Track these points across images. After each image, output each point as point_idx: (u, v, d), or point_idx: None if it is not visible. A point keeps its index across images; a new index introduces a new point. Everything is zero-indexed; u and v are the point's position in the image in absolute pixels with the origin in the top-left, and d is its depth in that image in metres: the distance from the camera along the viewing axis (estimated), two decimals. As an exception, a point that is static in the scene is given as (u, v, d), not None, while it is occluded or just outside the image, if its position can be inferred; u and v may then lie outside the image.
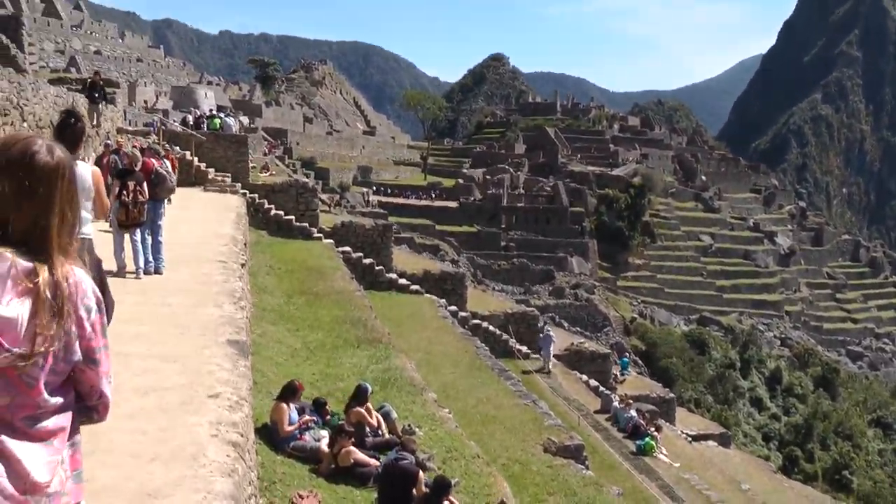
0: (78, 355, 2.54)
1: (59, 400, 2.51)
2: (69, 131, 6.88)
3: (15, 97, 22.59)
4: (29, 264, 2.42)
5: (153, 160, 14.96)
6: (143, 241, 13.47)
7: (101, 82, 28.52)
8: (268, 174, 38.71)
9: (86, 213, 6.97)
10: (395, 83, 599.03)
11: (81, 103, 27.47)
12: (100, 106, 26.94)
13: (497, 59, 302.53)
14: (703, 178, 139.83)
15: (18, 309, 2.37)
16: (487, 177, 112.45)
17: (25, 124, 20.07)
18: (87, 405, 2.67)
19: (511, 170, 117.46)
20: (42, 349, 2.40)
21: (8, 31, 44.08)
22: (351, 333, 18.49)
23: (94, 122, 26.16)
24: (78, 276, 2.54)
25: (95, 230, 8.87)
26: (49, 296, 2.42)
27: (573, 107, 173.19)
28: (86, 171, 6.89)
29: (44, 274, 2.42)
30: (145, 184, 13.42)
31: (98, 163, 21.00)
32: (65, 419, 2.53)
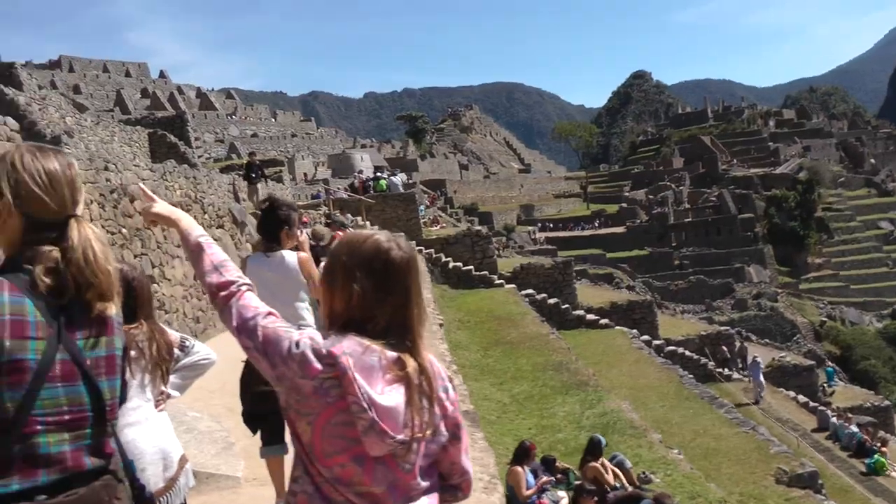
0: (445, 435, 2.62)
1: (427, 482, 2.58)
2: (272, 219, 6.70)
3: (193, 191, 23.29)
4: (395, 354, 2.49)
5: (339, 232, 14.91)
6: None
7: (258, 162, 29.21)
8: (438, 227, 38.83)
9: (303, 304, 6.71)
10: (542, 117, 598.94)
11: (241, 185, 28.19)
12: (258, 185, 27.54)
13: (640, 77, 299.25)
14: (872, 161, 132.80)
15: (395, 398, 2.45)
16: (650, 196, 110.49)
17: (206, 216, 20.54)
18: (450, 484, 2.73)
19: (672, 185, 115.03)
20: (421, 434, 2.49)
21: (174, 130, 45.97)
22: (556, 380, 17.98)
23: (254, 202, 26.71)
24: (432, 360, 2.62)
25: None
26: (419, 382, 2.50)
27: (724, 111, 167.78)
28: (292, 258, 6.64)
29: (411, 362, 2.51)
30: None
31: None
32: (432, 501, 2.60)
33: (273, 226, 6.65)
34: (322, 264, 2.92)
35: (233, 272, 2.79)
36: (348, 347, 2.46)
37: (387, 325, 2.54)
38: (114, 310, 2.61)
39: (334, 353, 2.44)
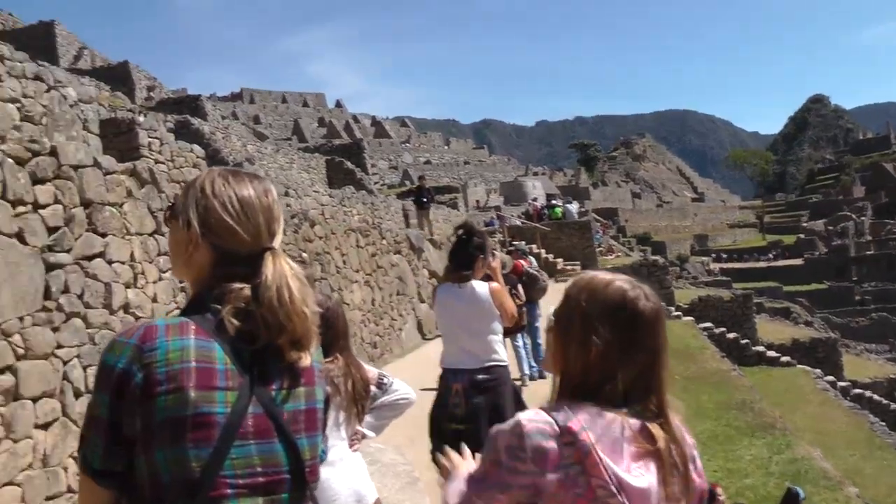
0: None
1: None
2: (467, 247, 6.38)
3: (370, 217, 23.42)
4: (639, 422, 2.19)
5: (522, 261, 14.60)
6: (524, 345, 13.06)
7: (428, 186, 29.12)
8: (613, 256, 38.09)
9: (496, 336, 6.34)
10: (715, 144, 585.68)
11: (409, 208, 28.22)
12: (429, 211, 27.46)
13: (817, 101, 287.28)
14: None
15: (647, 478, 2.14)
16: (829, 227, 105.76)
17: (384, 241, 20.59)
18: None
19: (853, 216, 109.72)
20: None
21: (351, 157, 46.90)
22: (740, 420, 16.99)
23: (424, 227, 26.65)
24: (680, 426, 2.31)
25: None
26: (671, 457, 2.19)
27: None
28: (483, 289, 6.27)
29: (660, 432, 2.19)
30: (519, 286, 13.05)
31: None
32: None
33: (467, 254, 6.34)
34: (553, 309, 2.51)
35: None
36: (586, 420, 2.13)
37: (628, 388, 2.22)
38: (310, 359, 2.25)
39: (572, 428, 2.11)
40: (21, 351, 7.38)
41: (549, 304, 22.24)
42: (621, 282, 2.33)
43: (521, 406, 6.20)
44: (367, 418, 4.23)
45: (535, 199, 57.21)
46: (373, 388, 4.23)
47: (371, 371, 4.29)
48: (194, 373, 2.00)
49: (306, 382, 2.24)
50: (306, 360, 2.23)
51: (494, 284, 6.41)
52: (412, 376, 4.94)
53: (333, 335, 4.02)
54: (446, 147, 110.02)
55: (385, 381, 4.38)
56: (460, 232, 6.63)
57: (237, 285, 2.14)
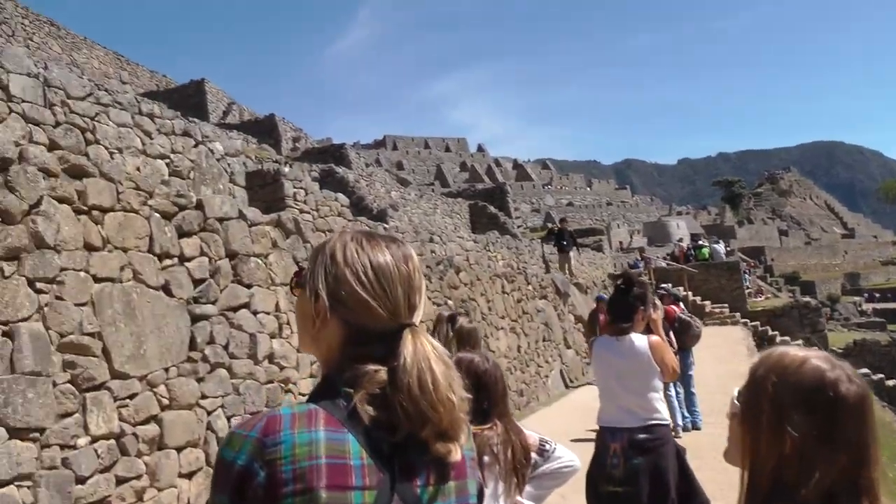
0: None
1: None
2: (627, 299, 5.99)
3: (515, 262, 23.12)
4: None
5: (673, 306, 13.97)
6: (677, 395, 12.48)
7: (569, 229, 28.54)
8: (763, 298, 36.70)
9: (657, 394, 5.92)
10: (865, 176, 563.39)
11: (549, 251, 27.71)
12: (570, 253, 26.84)
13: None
14: None
15: None
16: None
17: (530, 287, 20.25)
18: None
19: None
20: None
21: (494, 200, 46.82)
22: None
23: (565, 270, 26.06)
24: None
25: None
26: None
27: None
28: (643, 343, 5.86)
29: None
30: (671, 332, 12.50)
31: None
32: None
33: (627, 305, 5.96)
34: (736, 392, 2.13)
35: None
36: None
37: (830, 490, 1.83)
38: (460, 452, 1.89)
39: None
40: (166, 401, 7.41)
41: (700, 349, 21.45)
42: (817, 360, 1.97)
43: (684, 469, 5.80)
44: (528, 488, 3.88)
45: (680, 240, 55.83)
46: (534, 455, 3.89)
47: (532, 437, 3.94)
48: (325, 470, 1.71)
49: (457, 476, 1.90)
50: (456, 453, 1.89)
51: (655, 338, 6.01)
52: (560, 425, 4.58)
53: (492, 400, 3.71)
54: (588, 188, 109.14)
55: (547, 447, 4.01)
56: (619, 282, 6.26)
57: (372, 367, 1.84)
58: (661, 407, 5.91)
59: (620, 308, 6.01)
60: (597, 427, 6.14)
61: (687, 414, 12.57)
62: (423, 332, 1.91)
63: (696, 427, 12.46)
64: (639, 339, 5.91)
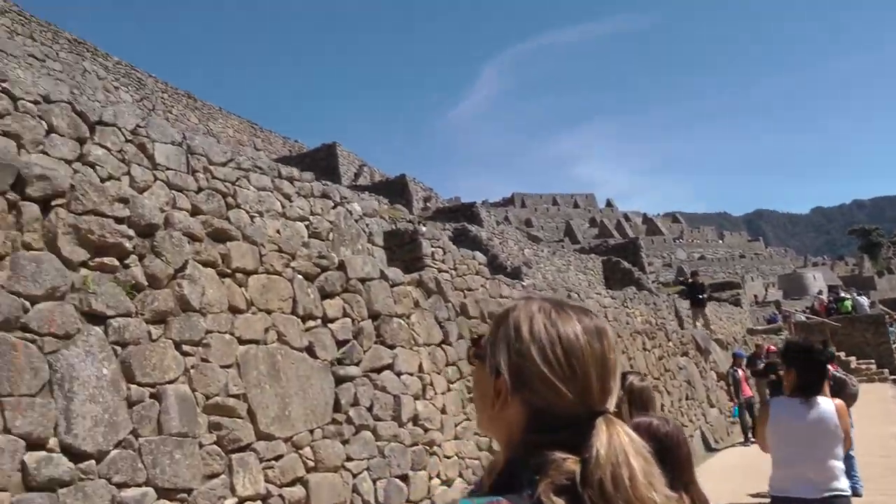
0: None
1: None
2: (816, 365, 5.46)
3: (654, 318, 22.39)
4: None
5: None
6: (837, 459, 11.60)
7: (701, 282, 27.50)
8: (911, 351, 34.62)
9: (838, 462, 5.33)
10: None
11: (683, 306, 26.70)
12: (704, 308, 25.74)
13: None
14: None
15: None
16: None
17: (671, 343, 19.52)
18: None
19: None
20: None
21: (627, 256, 46.01)
22: None
23: (698, 325, 25.02)
24: None
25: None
26: None
27: None
28: (829, 407, 5.30)
29: None
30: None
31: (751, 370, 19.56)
32: None
33: (816, 372, 5.44)
34: None
35: None
36: None
37: None
38: None
39: None
40: (311, 463, 7.22)
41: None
42: None
43: None
44: None
45: (820, 293, 53.55)
46: None
47: None
48: None
49: None
50: None
51: (839, 402, 5.47)
52: (710, 492, 4.13)
53: (676, 467, 3.30)
54: (720, 241, 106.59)
55: None
56: (804, 344, 5.73)
57: (559, 455, 1.55)
58: (843, 477, 5.34)
59: (810, 374, 5.46)
60: (757, 493, 5.61)
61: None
62: (618, 422, 1.62)
63: (856, 494, 11.55)
64: (826, 403, 5.38)
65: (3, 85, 7.79)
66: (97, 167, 8.38)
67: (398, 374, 8.64)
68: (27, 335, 5.03)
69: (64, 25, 29.61)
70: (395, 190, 39.99)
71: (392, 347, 8.66)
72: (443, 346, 9.65)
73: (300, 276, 7.63)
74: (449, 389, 9.53)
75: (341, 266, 8.28)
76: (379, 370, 8.38)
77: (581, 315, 1.69)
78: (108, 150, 8.65)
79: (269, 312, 7.15)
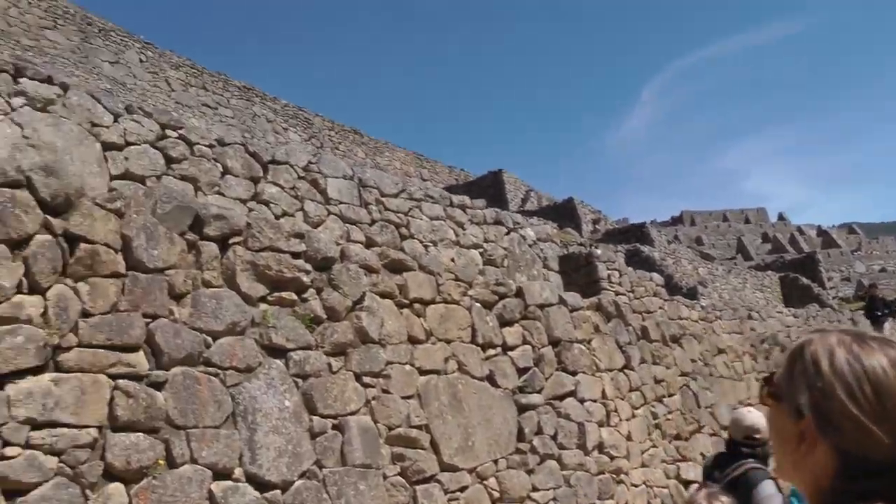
0: None
1: None
2: None
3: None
4: None
5: None
6: None
7: (882, 296, 25.41)
8: None
9: None
10: None
11: (865, 323, 24.84)
12: (885, 324, 23.73)
13: None
14: None
15: None
16: None
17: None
18: None
19: None
20: None
21: (805, 271, 43.70)
22: None
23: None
24: None
25: None
26: None
27: None
28: None
29: None
30: None
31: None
32: None
33: None
34: None
35: None
36: None
37: None
38: None
39: None
40: (496, 494, 6.95)
41: None
42: None
43: None
44: None
45: None
46: None
47: None
48: None
49: None
50: None
51: None
52: None
53: None
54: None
55: None
56: None
57: None
58: None
59: None
60: None
61: None
62: None
63: None
64: None
65: (180, 132, 7.95)
66: (271, 204, 8.43)
67: (581, 401, 8.23)
68: (210, 369, 5.07)
69: (234, 74, 30.80)
70: (564, 213, 39.34)
71: (574, 374, 8.26)
72: (625, 370, 9.18)
73: (478, 304, 7.39)
74: (633, 416, 9.03)
75: (519, 293, 7.98)
76: (561, 397, 8.01)
77: (885, 346, 1.44)
78: (282, 187, 8.70)
79: (448, 342, 6.96)
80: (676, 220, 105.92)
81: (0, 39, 19.32)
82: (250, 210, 8.08)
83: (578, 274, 12.78)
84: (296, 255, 5.85)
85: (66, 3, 22.44)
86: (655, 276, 13.94)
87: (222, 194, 7.90)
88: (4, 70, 6.61)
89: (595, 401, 8.44)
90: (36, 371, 4.22)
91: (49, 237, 4.46)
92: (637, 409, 9.08)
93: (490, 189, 41.16)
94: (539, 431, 7.57)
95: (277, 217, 8.30)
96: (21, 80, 6.70)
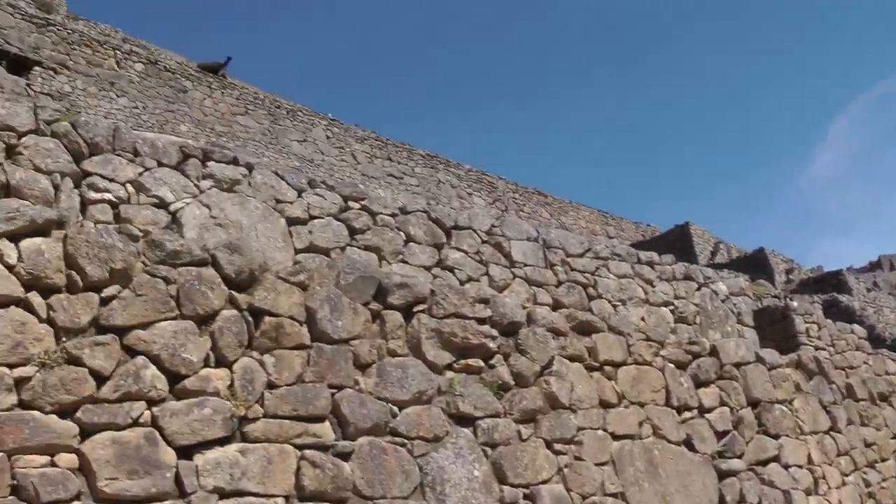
0: None
1: None
2: None
3: None
4: None
5: None
6: None
7: None
8: None
9: None
10: None
11: None
12: None
13: None
14: None
15: None
16: None
17: None
18: None
19: None
20: None
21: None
22: None
23: None
24: None
25: None
26: None
27: None
28: None
29: None
30: None
31: None
32: None
33: None
34: None
35: None
36: None
37: None
38: None
39: None
40: None
41: None
42: None
43: None
44: None
45: None
46: None
47: None
48: None
49: None
50: None
51: None
52: None
53: None
54: None
55: None
56: None
57: None
58: None
59: None
60: None
61: None
62: None
63: None
64: None
65: (362, 203, 7.89)
66: (455, 270, 8.23)
67: (786, 467, 7.46)
68: (397, 439, 4.92)
69: (418, 142, 31.10)
70: (755, 265, 37.36)
71: (776, 437, 7.52)
72: (831, 433, 8.29)
73: (671, 365, 6.86)
74: (843, 483, 8.10)
75: (713, 351, 7.38)
76: (764, 462, 7.29)
77: None
78: (465, 252, 8.48)
79: (641, 405, 6.50)
80: (875, 266, 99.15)
81: (196, 129, 20.38)
82: (434, 277, 7.90)
83: (773, 329, 11.86)
84: (481, 321, 5.64)
85: (255, 89, 23.48)
86: (857, 327, 12.81)
87: (406, 262, 7.77)
88: (193, 155, 6.76)
89: (801, 466, 7.63)
90: (223, 442, 4.18)
91: (234, 312, 4.48)
92: (847, 475, 8.16)
93: (677, 243, 39.67)
94: (742, 500, 6.88)
95: (462, 283, 8.08)
96: (209, 163, 6.83)
